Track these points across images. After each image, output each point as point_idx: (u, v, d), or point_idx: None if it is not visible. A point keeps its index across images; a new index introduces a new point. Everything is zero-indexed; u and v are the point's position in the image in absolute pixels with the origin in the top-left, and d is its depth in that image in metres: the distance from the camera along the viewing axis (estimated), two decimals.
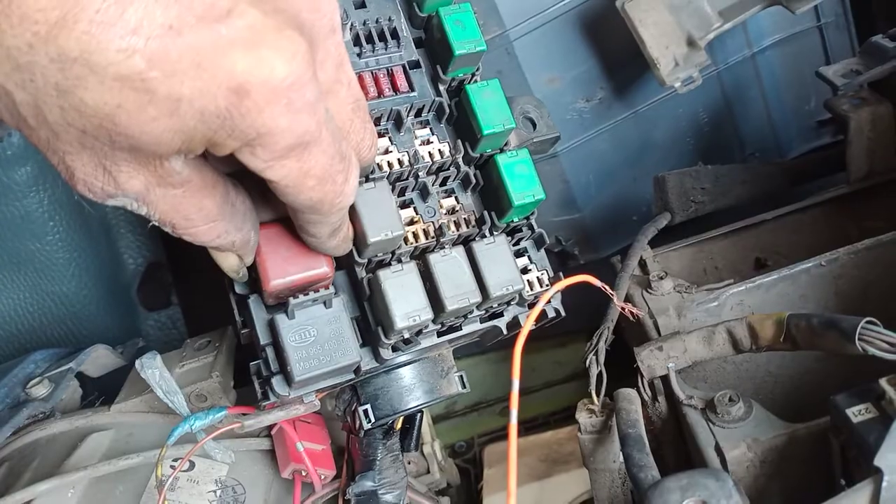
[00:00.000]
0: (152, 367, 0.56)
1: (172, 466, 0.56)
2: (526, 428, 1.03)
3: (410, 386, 0.54)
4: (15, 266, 0.92)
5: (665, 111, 0.87)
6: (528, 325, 0.46)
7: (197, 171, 0.36)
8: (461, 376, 0.56)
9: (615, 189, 0.91)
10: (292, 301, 0.45)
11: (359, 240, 0.46)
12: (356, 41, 0.50)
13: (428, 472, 0.79)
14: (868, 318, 0.46)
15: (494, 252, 0.48)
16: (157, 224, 0.37)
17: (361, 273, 0.48)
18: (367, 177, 0.46)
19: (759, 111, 0.89)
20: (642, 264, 0.67)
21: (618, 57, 0.83)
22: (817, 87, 0.89)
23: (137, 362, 0.56)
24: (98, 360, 0.73)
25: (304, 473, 0.58)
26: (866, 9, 0.84)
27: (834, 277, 0.60)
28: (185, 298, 1.06)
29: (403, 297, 0.45)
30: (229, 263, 0.44)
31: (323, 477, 0.58)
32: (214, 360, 0.62)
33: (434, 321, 0.48)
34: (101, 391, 0.75)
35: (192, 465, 0.58)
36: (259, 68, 0.30)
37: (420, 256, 0.48)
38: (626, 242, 0.92)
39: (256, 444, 0.60)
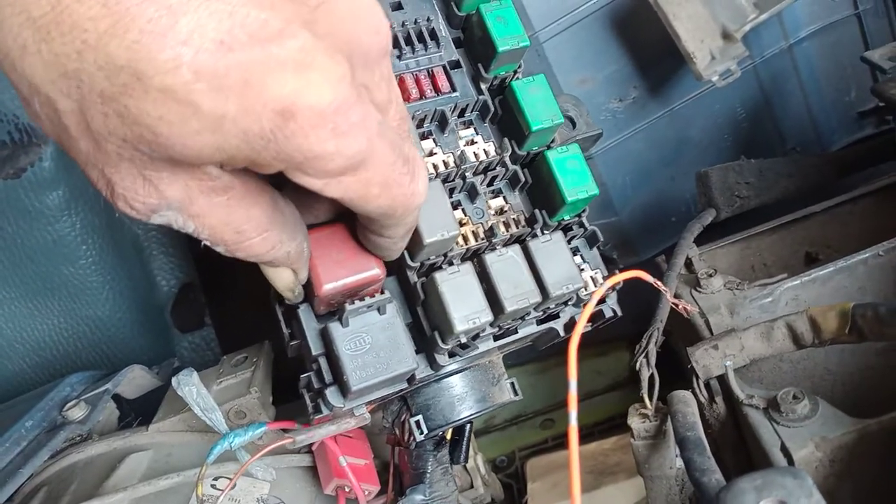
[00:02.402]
0: (189, 385, 0.54)
1: (213, 485, 0.55)
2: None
3: (462, 395, 0.52)
4: (48, 291, 0.91)
5: (701, 108, 0.85)
6: (581, 322, 0.44)
7: (239, 178, 0.35)
8: (512, 383, 0.54)
9: (652, 190, 0.89)
10: (348, 307, 0.43)
11: (412, 242, 0.44)
12: (395, 43, 0.49)
13: (472, 486, 0.77)
14: None
15: (551, 250, 0.46)
16: (209, 244, 0.36)
17: (414, 277, 0.46)
18: None
19: (799, 104, 0.87)
20: (688, 263, 0.65)
21: (650, 54, 0.81)
22: (857, 77, 0.87)
23: (174, 380, 0.55)
24: (134, 381, 0.72)
25: (347, 489, 0.56)
26: None
27: (893, 267, 0.58)
28: (218, 319, 1.05)
29: (461, 299, 0.44)
30: (284, 281, 0.42)
31: (367, 492, 0.56)
32: (252, 376, 0.61)
33: (492, 324, 0.46)
34: (137, 412, 0.74)
35: (235, 485, 0.56)
36: (306, 91, 0.30)
37: (471, 259, 0.47)
38: (665, 245, 0.90)
39: (297, 460, 0.59)
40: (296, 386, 0.66)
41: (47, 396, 0.68)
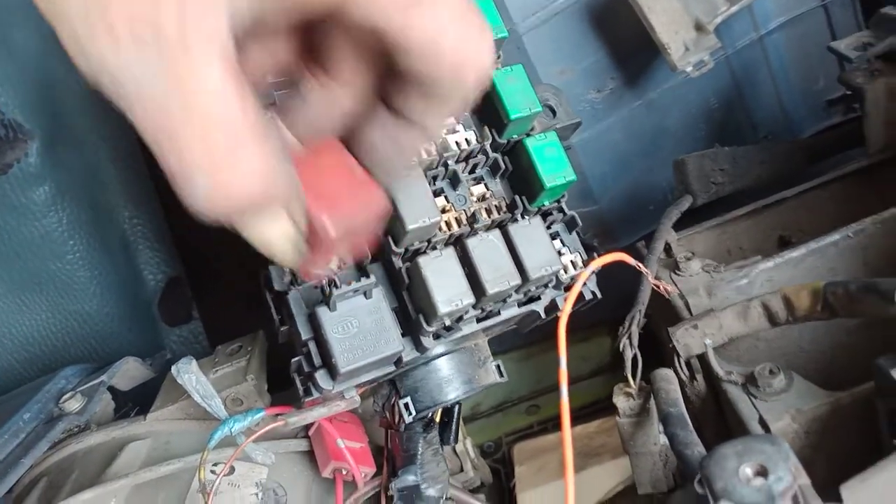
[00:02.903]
0: (188, 373, 0.56)
1: (213, 471, 0.56)
2: (554, 424, 1.03)
3: (449, 377, 0.54)
4: (36, 287, 0.92)
5: (676, 98, 0.88)
6: (568, 305, 0.46)
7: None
8: (498, 365, 0.56)
9: (631, 179, 0.91)
10: (335, 292, 0.45)
11: (396, 229, 0.46)
12: None
13: (461, 470, 0.79)
14: None
15: (530, 233, 0.48)
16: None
17: (398, 263, 0.48)
18: None
19: (769, 93, 0.90)
20: (667, 248, 0.67)
21: (626, 47, 0.84)
22: (825, 66, 0.90)
23: (174, 368, 0.56)
24: (128, 372, 0.73)
25: (344, 472, 0.58)
26: None
27: (862, 248, 0.61)
28: (205, 312, 1.06)
29: (444, 282, 0.46)
30: (283, 236, 0.32)
31: (364, 474, 0.58)
32: (248, 364, 0.62)
33: (474, 306, 0.48)
34: (132, 403, 0.75)
35: (232, 469, 0.58)
36: None
37: (455, 243, 0.48)
38: (644, 232, 0.92)
39: (295, 445, 0.60)
40: (289, 375, 0.68)
41: (43, 389, 0.69)
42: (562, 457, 0.99)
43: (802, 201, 0.70)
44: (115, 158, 0.99)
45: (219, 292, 1.08)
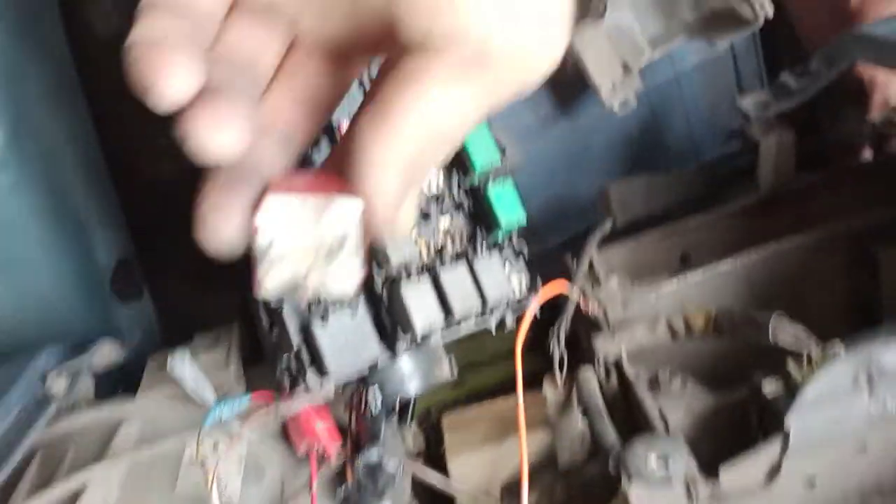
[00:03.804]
0: (182, 366, 0.64)
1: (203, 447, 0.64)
2: (478, 397, 1.13)
3: (411, 373, 0.65)
4: None
5: (601, 124, 0.99)
6: (522, 330, 0.57)
7: None
8: (450, 359, 0.67)
9: (557, 189, 1.03)
10: (331, 311, 0.54)
11: (379, 258, 0.56)
12: None
13: (404, 441, 0.89)
14: (778, 311, 0.59)
15: (490, 267, 0.59)
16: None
17: (379, 285, 0.58)
18: None
19: (681, 123, 1.03)
20: (590, 263, 0.79)
21: (559, 78, 0.94)
22: (729, 102, 1.04)
23: (169, 361, 0.64)
24: (104, 354, 0.80)
25: (316, 448, 0.67)
26: (773, 38, 0.99)
27: (747, 274, 0.74)
28: (156, 290, 1.12)
29: (421, 306, 0.56)
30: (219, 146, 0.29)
31: (334, 448, 0.67)
32: (228, 355, 0.70)
33: (443, 325, 0.58)
34: (108, 384, 0.81)
35: (216, 444, 0.66)
36: None
37: (427, 270, 0.59)
38: (567, 234, 1.05)
39: (269, 424, 0.69)
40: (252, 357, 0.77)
41: (27, 369, 0.75)
42: (485, 428, 1.11)
43: (702, 226, 0.83)
44: (73, 144, 1.03)
45: (168, 272, 1.14)
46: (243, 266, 0.63)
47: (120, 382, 0.82)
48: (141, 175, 1.08)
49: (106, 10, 0.90)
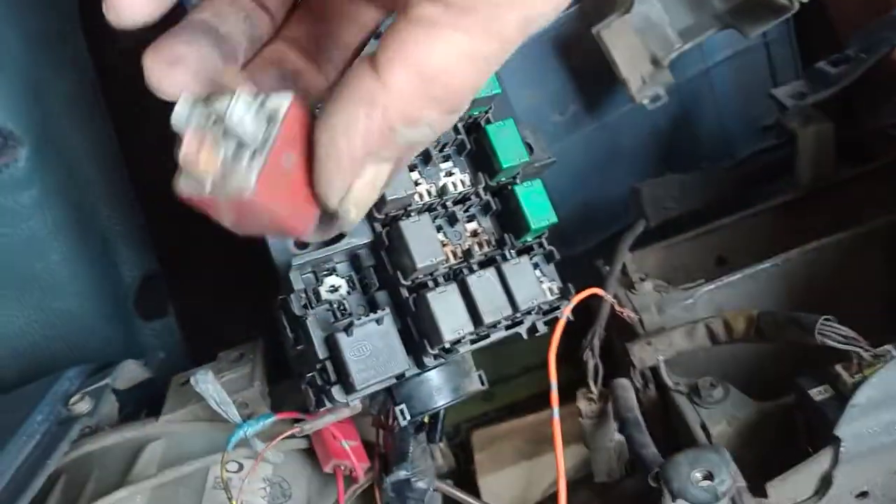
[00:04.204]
0: (206, 382, 0.62)
1: (227, 469, 0.63)
2: (508, 412, 1.11)
3: (439, 386, 0.62)
4: (21, 286, 0.95)
5: (629, 121, 0.96)
6: (556, 336, 0.54)
7: None
8: (480, 374, 0.65)
9: (586, 191, 1.00)
10: (356, 323, 0.52)
11: (405, 265, 0.54)
12: None
13: (433, 458, 0.87)
14: (826, 316, 0.56)
15: (519, 271, 0.56)
16: None
17: (405, 293, 0.55)
18: (407, 212, 0.54)
19: (713, 118, 1.00)
20: (623, 267, 0.76)
21: (587, 74, 0.92)
22: (763, 96, 1.00)
23: (192, 378, 0.62)
24: (127, 373, 0.79)
25: (343, 467, 0.65)
26: (807, 28, 0.95)
27: (788, 274, 0.71)
28: (180, 307, 1.11)
29: (448, 314, 0.53)
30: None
31: (362, 468, 0.65)
32: (252, 371, 0.69)
33: (471, 333, 0.55)
34: (132, 403, 0.80)
35: (241, 466, 0.65)
36: None
37: (454, 276, 0.56)
38: (596, 239, 1.02)
39: (296, 443, 0.67)
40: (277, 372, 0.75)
41: (51, 391, 0.74)
42: (518, 444, 1.09)
43: (738, 226, 0.80)
44: (96, 159, 1.02)
45: (191, 288, 1.13)
46: (269, 281, 0.62)
47: (144, 401, 0.81)
48: (165, 191, 1.07)
49: None
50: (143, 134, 0.97)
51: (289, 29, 0.37)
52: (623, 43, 0.84)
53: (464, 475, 1.05)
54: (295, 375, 0.62)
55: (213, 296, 1.15)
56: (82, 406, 0.71)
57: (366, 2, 0.37)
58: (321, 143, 0.31)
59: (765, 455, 0.62)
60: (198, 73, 0.32)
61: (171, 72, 0.32)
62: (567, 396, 0.71)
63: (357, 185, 0.32)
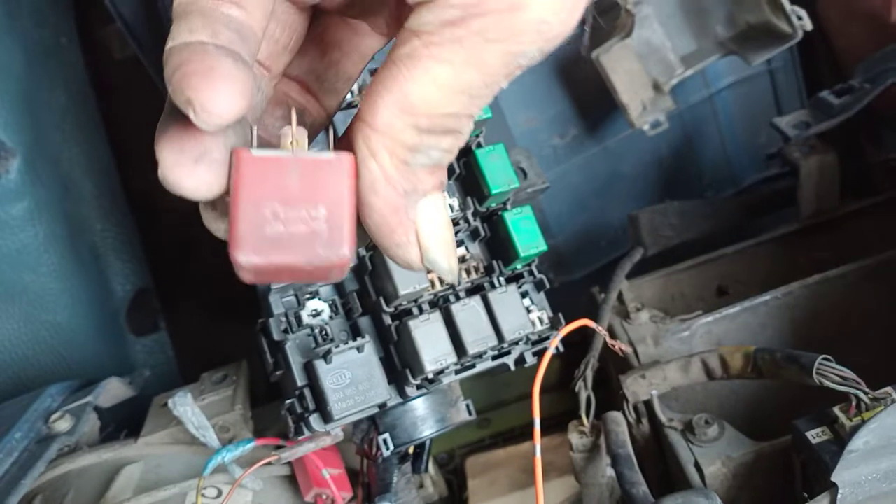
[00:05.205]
0: (184, 405, 0.61)
1: (203, 494, 0.61)
2: (504, 439, 1.09)
3: (424, 416, 0.60)
4: (9, 298, 0.94)
5: (631, 146, 0.95)
6: (542, 369, 0.52)
7: None
8: (468, 404, 0.63)
9: (586, 217, 0.98)
10: (334, 349, 0.50)
11: (388, 291, 0.52)
12: None
13: (422, 486, 0.85)
14: (824, 356, 0.53)
15: (507, 300, 0.54)
16: None
17: (388, 320, 0.54)
18: None
19: (716, 145, 0.98)
20: (620, 295, 0.74)
21: (588, 98, 0.91)
22: (766, 124, 0.98)
23: (170, 401, 0.61)
24: (111, 391, 0.77)
25: (324, 497, 0.63)
26: (813, 56, 0.94)
27: (790, 308, 0.69)
28: (171, 323, 1.10)
29: (431, 343, 0.52)
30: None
31: (343, 498, 0.63)
32: (234, 394, 0.67)
33: (455, 363, 0.54)
34: (115, 421, 0.78)
35: (220, 492, 0.63)
36: None
37: (438, 303, 0.54)
38: (595, 265, 1.00)
39: (277, 470, 0.65)
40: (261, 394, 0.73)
41: (31, 408, 0.72)
42: (511, 472, 1.07)
43: (740, 256, 0.78)
44: (90, 172, 1.01)
45: (185, 304, 1.12)
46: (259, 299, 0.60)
47: (128, 420, 0.79)
48: (158, 205, 1.06)
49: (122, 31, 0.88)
50: (138, 147, 0.96)
51: (290, 67, 0.37)
52: (623, 68, 0.82)
53: (456, 503, 1.03)
54: (281, 397, 0.60)
55: (206, 313, 1.13)
56: (62, 424, 0.69)
57: (366, 31, 0.38)
58: (364, 213, 0.31)
59: (760, 498, 0.59)
60: (223, 165, 0.30)
61: (196, 169, 0.29)
62: (563, 425, 0.69)
63: (424, 233, 0.32)
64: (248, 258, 0.29)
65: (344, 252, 0.29)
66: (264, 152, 0.29)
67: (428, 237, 0.32)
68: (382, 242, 0.32)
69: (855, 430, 0.50)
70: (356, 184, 0.31)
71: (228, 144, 0.30)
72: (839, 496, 0.50)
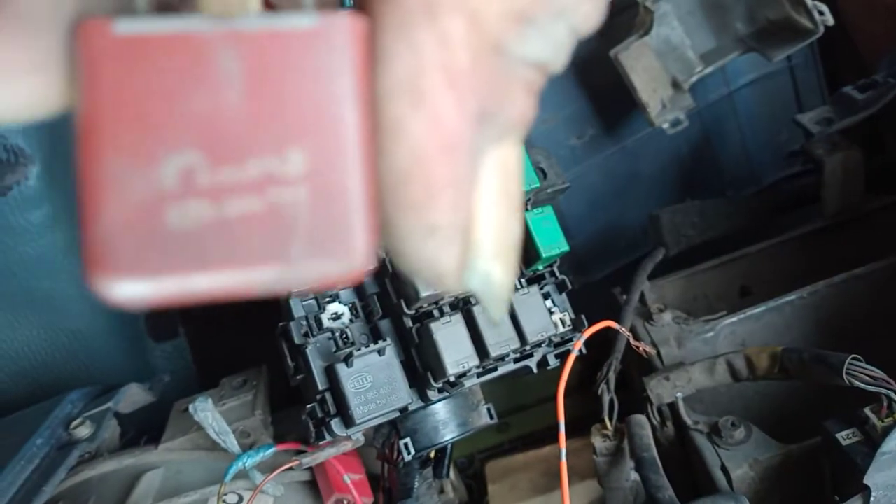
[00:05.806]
0: (205, 410, 0.60)
1: (224, 500, 0.61)
2: (524, 443, 1.08)
3: (446, 420, 0.60)
4: (30, 304, 0.94)
5: (649, 145, 0.94)
6: (566, 372, 0.52)
7: None
8: (489, 408, 0.62)
9: (605, 217, 0.97)
10: (355, 353, 0.50)
11: (409, 293, 0.51)
12: None
13: (443, 491, 0.84)
14: (853, 356, 0.52)
15: (529, 302, 0.54)
16: None
17: (409, 323, 0.53)
18: None
19: (736, 143, 0.97)
20: (642, 296, 0.73)
21: (605, 97, 0.90)
22: (788, 121, 0.97)
23: (190, 406, 0.61)
24: (131, 397, 0.77)
25: (345, 502, 0.63)
26: (833, 52, 0.92)
27: (815, 308, 0.68)
28: (191, 328, 1.09)
29: (453, 346, 0.51)
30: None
31: (364, 503, 0.63)
32: (254, 399, 0.67)
33: (477, 366, 0.53)
34: (135, 427, 0.78)
35: (241, 498, 0.62)
36: None
37: (459, 305, 0.54)
38: (615, 266, 0.99)
39: (298, 475, 0.65)
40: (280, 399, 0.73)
41: (51, 414, 0.72)
42: (532, 476, 1.06)
43: (763, 255, 0.77)
44: None
45: (203, 309, 1.12)
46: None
47: (148, 426, 0.79)
48: None
49: None
50: None
51: None
52: (642, 66, 0.81)
53: None
54: (302, 401, 0.60)
55: (225, 317, 1.13)
56: (83, 431, 0.69)
57: None
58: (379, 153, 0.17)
59: (789, 502, 0.58)
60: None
61: None
62: (586, 428, 0.68)
63: (486, 215, 0.18)
64: (120, 283, 0.16)
65: (355, 257, 0.16)
66: (150, 24, 0.15)
67: (489, 224, 0.19)
68: (401, 223, 0.17)
69: (887, 431, 0.49)
70: (372, 89, 0.16)
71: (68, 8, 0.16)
72: (872, 499, 0.49)
